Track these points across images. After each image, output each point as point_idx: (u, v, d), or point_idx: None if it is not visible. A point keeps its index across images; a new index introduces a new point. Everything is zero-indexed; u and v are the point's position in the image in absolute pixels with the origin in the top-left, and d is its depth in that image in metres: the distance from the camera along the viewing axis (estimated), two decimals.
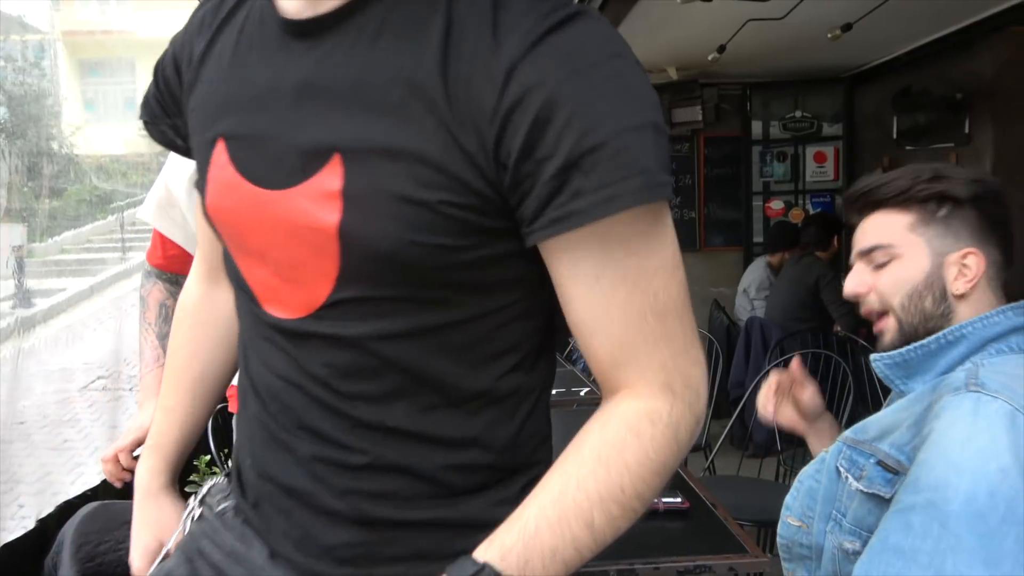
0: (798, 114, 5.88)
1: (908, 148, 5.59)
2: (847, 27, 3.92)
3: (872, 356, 1.11)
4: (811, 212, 5.94)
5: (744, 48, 4.42)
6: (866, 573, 0.89)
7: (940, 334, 1.03)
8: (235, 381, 1.25)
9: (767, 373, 2.82)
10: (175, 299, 1.60)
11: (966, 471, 0.83)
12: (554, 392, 2.78)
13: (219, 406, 2.03)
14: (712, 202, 5.94)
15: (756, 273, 4.88)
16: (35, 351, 2.02)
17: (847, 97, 5.86)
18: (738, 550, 1.29)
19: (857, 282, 1.10)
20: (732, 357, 4.32)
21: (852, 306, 4.09)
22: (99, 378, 2.33)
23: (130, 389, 2.45)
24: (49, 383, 2.02)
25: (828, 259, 4.49)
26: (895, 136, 5.58)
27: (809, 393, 1.31)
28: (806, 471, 1.14)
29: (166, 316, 1.63)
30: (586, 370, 4.11)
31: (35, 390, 2.00)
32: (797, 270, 4.43)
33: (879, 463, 0.97)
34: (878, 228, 1.08)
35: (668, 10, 3.59)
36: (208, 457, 2.36)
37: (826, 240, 4.43)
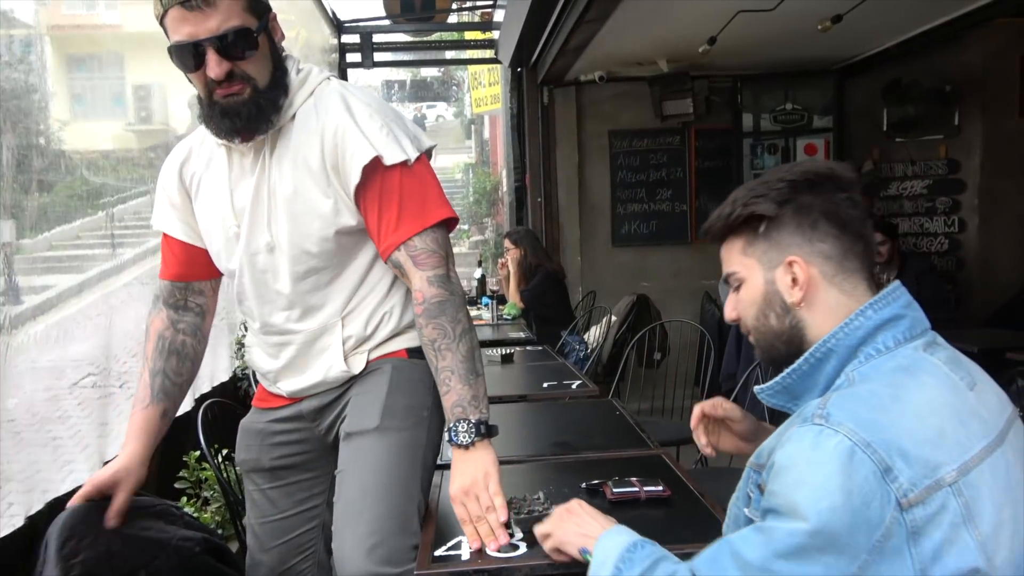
0: (788, 106, 5.89)
1: (898, 140, 5.61)
2: (837, 19, 3.93)
3: (755, 389, 1.11)
4: None
5: (735, 40, 4.42)
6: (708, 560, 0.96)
7: (808, 353, 1.01)
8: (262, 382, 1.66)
9: (759, 364, 2.84)
10: (176, 329, 1.58)
11: (798, 508, 0.85)
12: (546, 385, 2.78)
13: (208, 401, 2.04)
14: (703, 195, 5.95)
15: None
16: (24, 348, 2.01)
17: (837, 89, 5.87)
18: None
19: (728, 309, 1.13)
20: (724, 349, 4.34)
21: None
22: (89, 375, 2.31)
23: (120, 386, 2.44)
24: (38, 380, 2.01)
25: None
26: (885, 128, 5.60)
27: (737, 418, 1.29)
28: (733, 497, 1.13)
29: (163, 349, 1.56)
30: (577, 364, 4.12)
31: (24, 387, 1.99)
32: None
33: (758, 486, 0.97)
34: (725, 256, 1.11)
35: (658, 2, 3.59)
36: (198, 453, 2.35)
37: None
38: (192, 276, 1.59)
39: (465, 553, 1.28)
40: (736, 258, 1.09)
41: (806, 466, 0.87)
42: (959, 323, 4.57)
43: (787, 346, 1.05)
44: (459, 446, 1.36)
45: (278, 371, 1.55)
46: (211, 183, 1.50)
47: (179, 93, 3.17)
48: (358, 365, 1.50)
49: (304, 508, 1.61)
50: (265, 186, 1.43)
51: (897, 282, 1.04)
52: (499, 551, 1.27)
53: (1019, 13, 4.70)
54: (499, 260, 4.89)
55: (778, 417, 1.08)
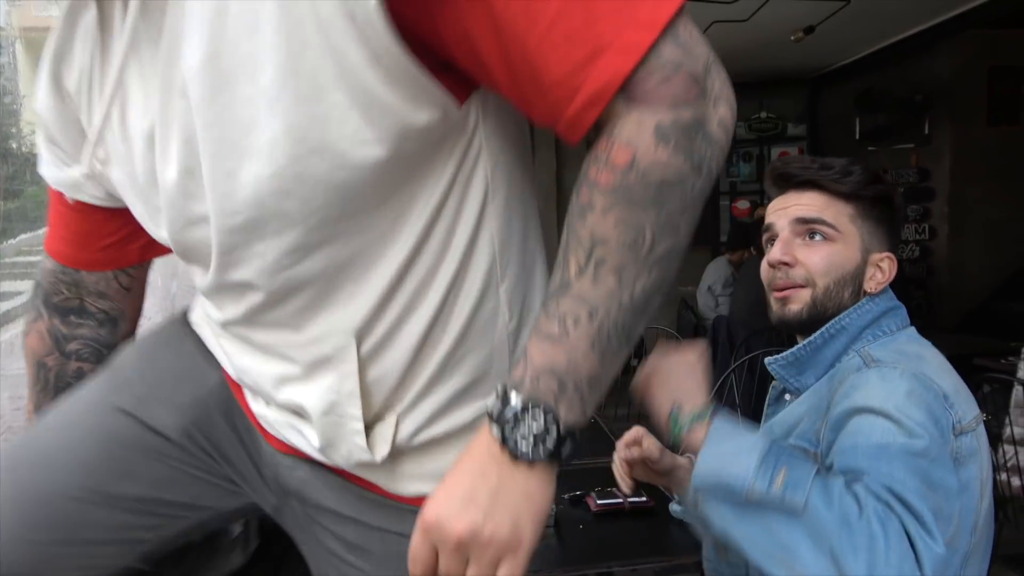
0: (763, 115, 5.97)
1: (870, 148, 5.70)
2: (809, 29, 3.99)
3: (767, 360, 1.13)
4: None
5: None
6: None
7: (823, 329, 1.06)
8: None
9: (734, 371, 2.86)
10: (62, 353, 0.96)
11: (900, 430, 0.87)
12: None
13: None
14: None
15: (719, 270, 4.94)
16: None
17: (811, 98, 5.96)
18: None
19: (785, 251, 1.07)
20: None
21: None
22: None
23: None
24: (5, 389, 1.95)
25: None
26: (857, 137, 5.69)
27: (655, 458, 1.21)
28: None
29: (45, 387, 0.96)
30: None
31: None
32: (756, 269, 4.48)
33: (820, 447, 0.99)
34: (821, 205, 1.07)
35: None
36: None
37: None
38: (89, 261, 0.94)
39: None
40: (842, 219, 1.07)
41: (884, 394, 0.91)
42: (929, 329, 4.64)
43: (831, 318, 1.07)
44: (509, 450, 0.62)
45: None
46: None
47: None
48: (382, 450, 0.75)
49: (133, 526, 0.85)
50: (162, 52, 0.66)
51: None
52: None
53: (987, 24, 4.81)
54: None
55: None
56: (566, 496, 1.56)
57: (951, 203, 5.28)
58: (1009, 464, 2.35)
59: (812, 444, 0.98)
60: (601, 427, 2.17)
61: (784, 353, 1.11)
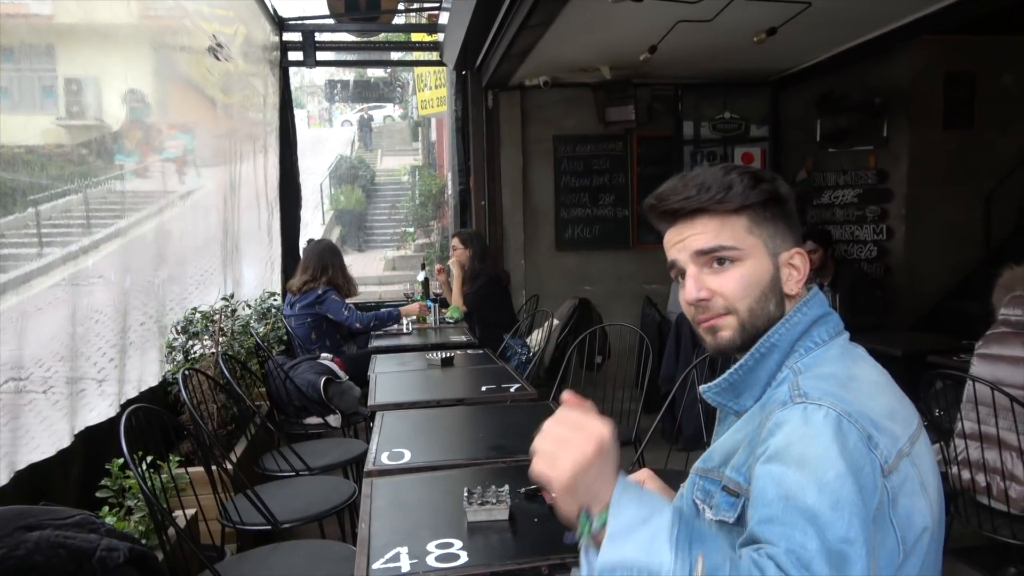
0: (727, 115, 6.03)
1: (830, 150, 5.80)
2: (772, 31, 4.04)
3: (700, 388, 1.09)
4: None
5: (675, 49, 4.51)
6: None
7: (754, 349, 1.03)
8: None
9: (695, 367, 2.89)
10: None
11: (809, 486, 0.83)
12: (484, 388, 2.78)
13: (132, 407, 1.97)
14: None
15: None
16: None
17: (773, 100, 6.04)
18: None
19: (699, 286, 1.03)
20: (663, 353, 4.41)
21: None
22: (10, 380, 2.22)
23: (44, 392, 2.34)
24: None
25: None
26: (818, 138, 5.79)
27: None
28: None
29: None
30: (519, 367, 4.13)
31: None
32: None
33: (723, 488, 0.97)
34: (715, 230, 1.03)
35: (600, 9, 3.63)
36: (121, 460, 2.27)
37: None
38: None
39: (405, 565, 1.26)
40: (739, 235, 1.03)
41: (803, 442, 0.87)
42: (886, 328, 4.74)
43: (757, 336, 1.04)
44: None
45: None
46: None
47: (113, 88, 3.07)
48: None
49: None
50: None
51: (815, 286, 1.08)
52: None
53: (944, 30, 4.93)
54: (437, 266, 4.85)
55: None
56: (522, 490, 1.55)
57: (908, 204, 5.39)
58: (960, 458, 2.41)
59: (746, 480, 0.95)
60: None
61: (717, 380, 1.06)
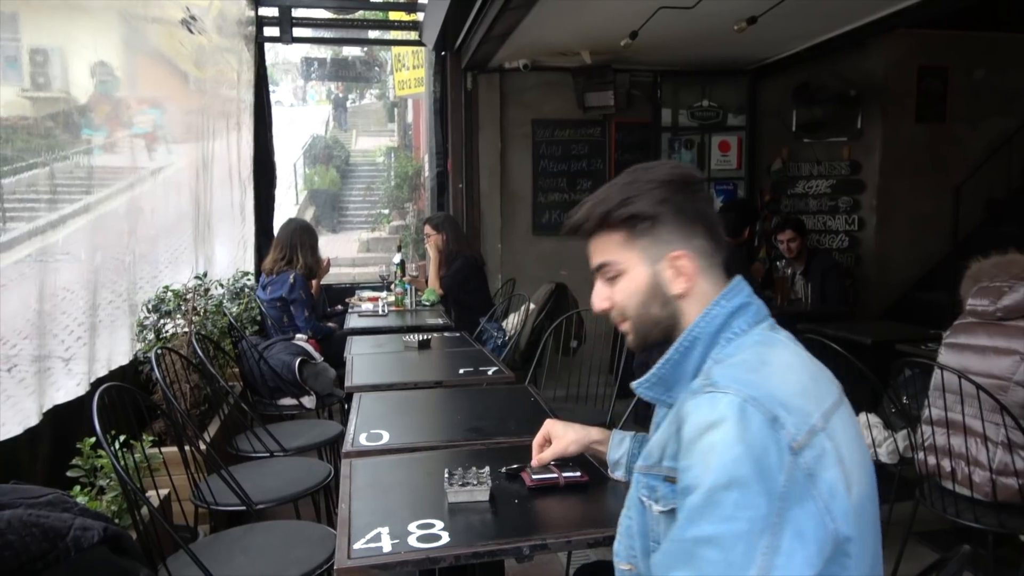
0: (705, 103, 6.06)
1: (805, 140, 5.87)
2: (752, 20, 4.05)
3: (632, 385, 1.17)
4: (715, 199, 6.16)
5: (655, 35, 4.51)
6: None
7: (677, 343, 1.10)
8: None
9: None
10: None
11: (709, 468, 0.91)
12: (462, 371, 2.77)
13: (105, 386, 1.94)
14: None
15: None
16: None
17: (751, 89, 6.08)
18: None
19: (601, 298, 1.17)
20: None
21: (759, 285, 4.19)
22: None
23: (8, 370, 2.29)
24: None
25: (734, 246, 4.63)
26: (794, 128, 5.85)
27: (559, 434, 1.51)
28: (622, 513, 1.17)
29: None
30: (495, 351, 4.13)
31: None
32: None
33: (666, 479, 1.01)
34: (600, 247, 1.16)
35: None
36: (93, 439, 2.23)
37: (739, 228, 4.50)
38: None
39: (386, 545, 1.25)
40: (615, 251, 1.14)
41: (708, 430, 0.93)
42: (856, 317, 4.83)
43: (663, 334, 1.13)
44: None
45: None
46: None
47: (81, 59, 2.98)
48: None
49: None
50: None
51: (739, 275, 1.14)
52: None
53: (918, 24, 4.99)
54: (410, 276, 4.81)
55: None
56: (503, 470, 1.56)
57: (879, 196, 5.48)
58: (926, 444, 2.47)
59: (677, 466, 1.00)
60: (540, 406, 2.18)
61: (646, 375, 1.13)
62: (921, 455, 2.51)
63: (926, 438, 2.48)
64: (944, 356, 2.53)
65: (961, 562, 0.96)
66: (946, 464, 2.40)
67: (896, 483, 2.77)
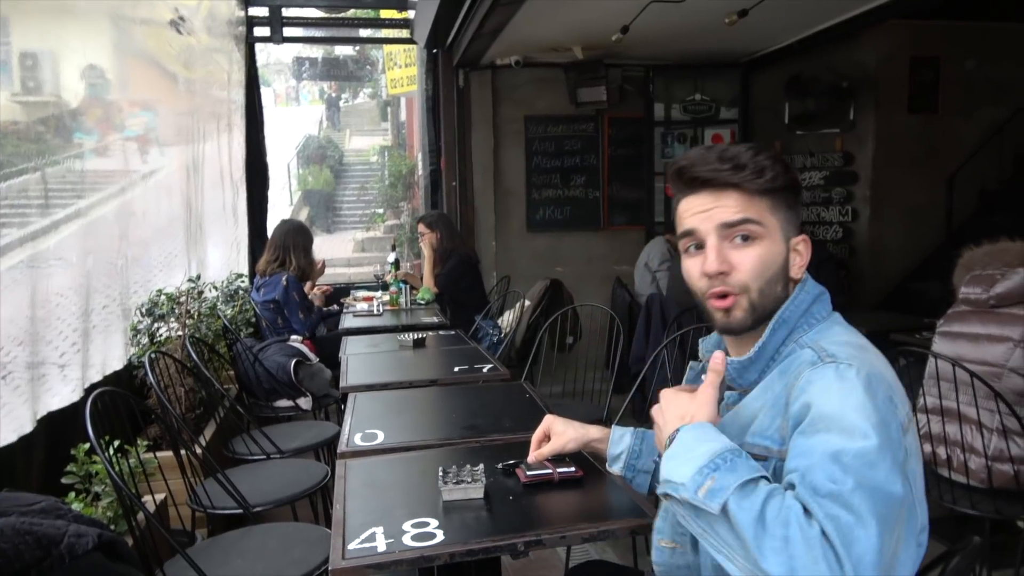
0: (698, 97, 6.06)
1: (798, 133, 5.87)
2: (743, 13, 4.05)
3: (729, 360, 1.11)
4: None
5: (647, 30, 4.50)
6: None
7: (770, 326, 1.08)
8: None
9: (666, 347, 2.92)
10: None
11: (854, 432, 0.89)
12: (457, 369, 2.77)
13: (98, 391, 1.93)
14: (615, 182, 6.06)
15: (657, 248, 5.02)
16: None
17: (743, 82, 6.08)
18: (637, 513, 1.33)
19: (720, 259, 1.06)
20: (633, 333, 4.45)
21: None
22: None
23: (2, 377, 2.28)
24: None
25: None
26: (787, 121, 5.84)
27: (559, 431, 1.51)
28: None
29: None
30: (491, 348, 4.13)
31: None
32: None
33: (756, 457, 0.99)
34: (743, 206, 1.06)
35: None
36: (87, 445, 2.22)
37: None
38: None
39: (381, 545, 1.24)
40: (763, 214, 1.07)
41: (840, 396, 0.93)
42: (850, 307, 4.83)
43: (769, 315, 1.09)
44: None
45: None
46: None
47: (71, 63, 2.97)
48: None
49: None
50: None
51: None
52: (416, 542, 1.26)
53: (909, 15, 4.99)
54: (402, 271, 4.80)
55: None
56: (500, 466, 1.56)
57: (872, 187, 5.48)
58: (922, 432, 2.47)
59: (775, 442, 0.99)
60: (536, 403, 2.18)
61: (741, 357, 1.10)
62: None
63: (921, 427, 2.48)
64: (938, 345, 2.54)
65: (972, 556, 0.96)
66: (942, 452, 2.41)
67: None
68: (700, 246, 1.09)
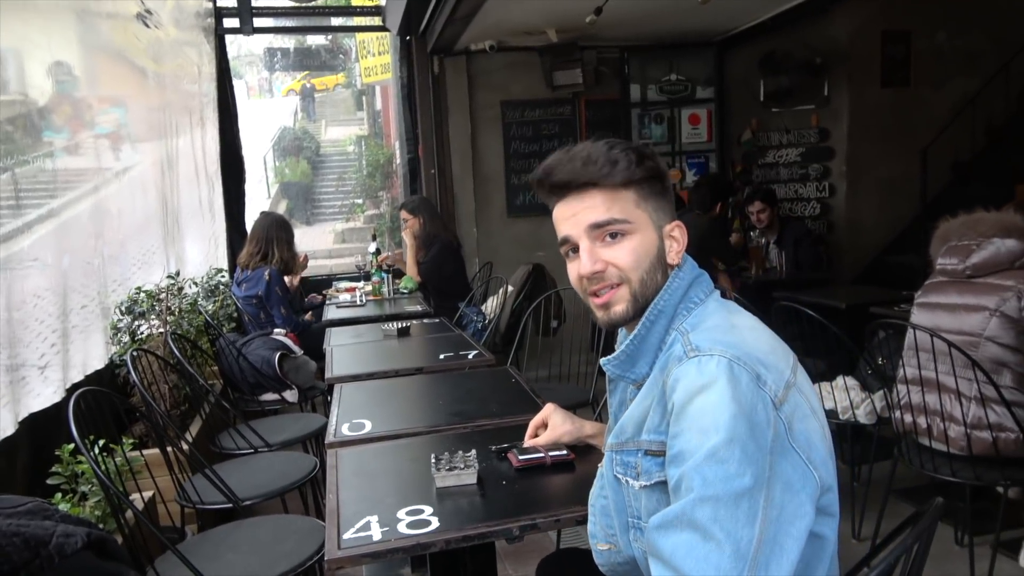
0: (673, 77, 6.06)
1: (774, 110, 5.90)
2: None
3: (601, 362, 1.14)
4: (687, 173, 6.18)
5: (620, 11, 4.48)
6: (670, 548, 0.89)
7: (644, 318, 1.08)
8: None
9: None
10: None
11: (706, 430, 0.90)
12: (442, 356, 2.77)
13: (81, 391, 1.91)
14: None
15: None
16: None
17: (718, 61, 6.09)
18: None
19: (593, 259, 1.08)
20: None
21: (737, 258, 4.19)
22: None
23: None
24: None
25: (708, 220, 4.64)
26: (762, 99, 5.87)
27: (557, 423, 1.56)
28: (592, 494, 1.18)
29: None
30: (475, 335, 4.13)
31: None
32: (691, 224, 4.55)
33: (647, 453, 1.01)
34: (606, 204, 1.07)
35: None
36: (72, 446, 2.20)
37: (711, 203, 4.51)
38: None
39: (376, 534, 1.25)
40: (628, 209, 1.08)
41: (700, 393, 0.94)
42: (829, 282, 4.88)
43: (649, 304, 1.09)
44: None
45: None
46: None
47: (36, 60, 2.91)
48: None
49: None
50: None
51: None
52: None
53: None
54: (383, 255, 4.78)
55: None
56: (493, 448, 1.57)
57: (848, 162, 5.53)
58: (903, 403, 2.52)
59: (665, 435, 0.99)
60: (522, 387, 2.18)
61: (615, 354, 1.12)
62: (898, 414, 2.56)
63: (902, 397, 2.52)
64: (916, 316, 2.58)
65: (934, 515, 0.99)
66: (922, 421, 2.45)
67: (875, 443, 2.83)
68: (576, 250, 1.11)
